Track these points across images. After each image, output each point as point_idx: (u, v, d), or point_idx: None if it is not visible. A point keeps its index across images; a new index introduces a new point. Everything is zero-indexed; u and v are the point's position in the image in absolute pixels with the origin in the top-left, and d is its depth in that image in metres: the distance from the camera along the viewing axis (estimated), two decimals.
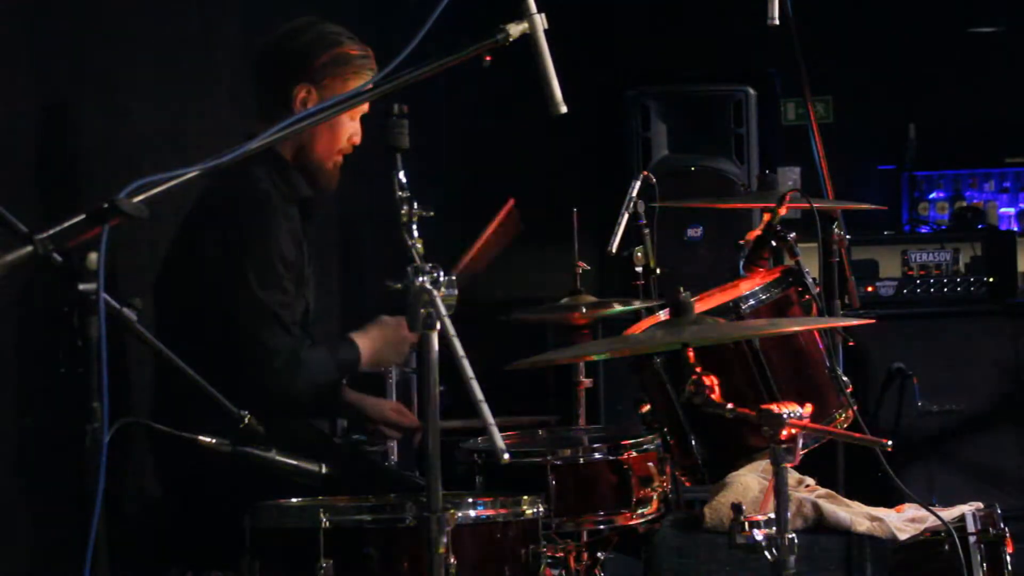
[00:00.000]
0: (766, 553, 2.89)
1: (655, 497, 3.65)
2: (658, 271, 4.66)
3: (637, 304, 4.38)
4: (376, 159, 2.94)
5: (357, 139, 3.93)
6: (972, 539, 3.55)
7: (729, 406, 3.00)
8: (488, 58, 2.91)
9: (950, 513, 3.65)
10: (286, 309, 3.74)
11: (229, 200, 3.74)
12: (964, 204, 6.72)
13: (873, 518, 3.73)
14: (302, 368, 3.71)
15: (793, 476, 3.87)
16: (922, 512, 3.76)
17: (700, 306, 3.52)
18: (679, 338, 3.17)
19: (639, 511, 3.60)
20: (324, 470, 3.04)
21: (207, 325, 3.70)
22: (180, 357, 2.81)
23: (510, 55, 2.96)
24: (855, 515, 3.73)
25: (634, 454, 3.61)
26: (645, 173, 4.74)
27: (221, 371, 3.62)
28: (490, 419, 2.67)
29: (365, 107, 3.83)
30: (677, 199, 5.37)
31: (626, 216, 4.62)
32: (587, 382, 4.40)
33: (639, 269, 4.62)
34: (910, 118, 6.88)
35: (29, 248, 2.45)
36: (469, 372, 2.69)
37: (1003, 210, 6.74)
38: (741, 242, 4.03)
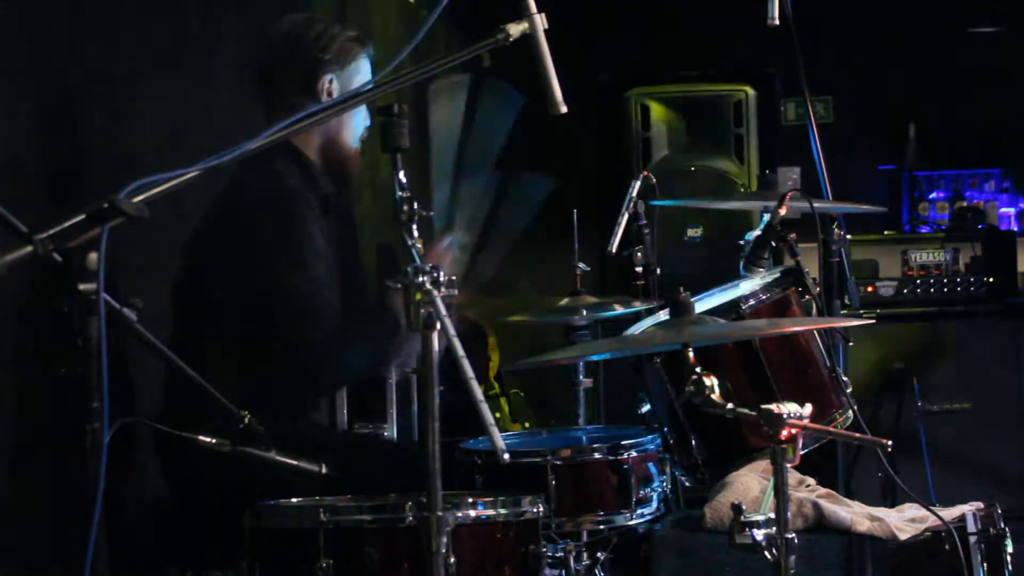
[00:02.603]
0: (766, 553, 2.89)
1: (655, 497, 3.65)
2: (658, 271, 4.66)
3: (637, 304, 4.38)
4: (376, 159, 2.94)
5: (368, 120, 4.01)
6: (972, 539, 3.55)
7: (729, 406, 3.00)
8: (487, 59, 2.92)
9: (950, 513, 3.65)
10: (320, 289, 3.76)
11: (261, 197, 3.75)
12: (964, 204, 6.71)
13: (873, 518, 3.73)
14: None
15: (793, 476, 3.87)
16: (922, 512, 3.76)
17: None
18: (679, 338, 3.17)
19: (639, 511, 3.60)
20: (324, 470, 3.04)
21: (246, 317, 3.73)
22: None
23: (510, 55, 2.96)
24: (855, 515, 3.73)
25: (634, 454, 3.61)
26: (645, 173, 4.73)
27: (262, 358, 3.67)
28: (490, 419, 2.67)
29: None
30: (677, 199, 5.37)
31: (626, 216, 4.62)
32: (587, 382, 4.40)
33: (639, 269, 4.62)
34: (910, 118, 6.88)
35: (29, 248, 2.45)
36: (469, 372, 2.69)
37: (1003, 210, 6.74)
38: (741, 242, 4.03)
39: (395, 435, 4.83)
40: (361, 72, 3.96)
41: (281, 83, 3.93)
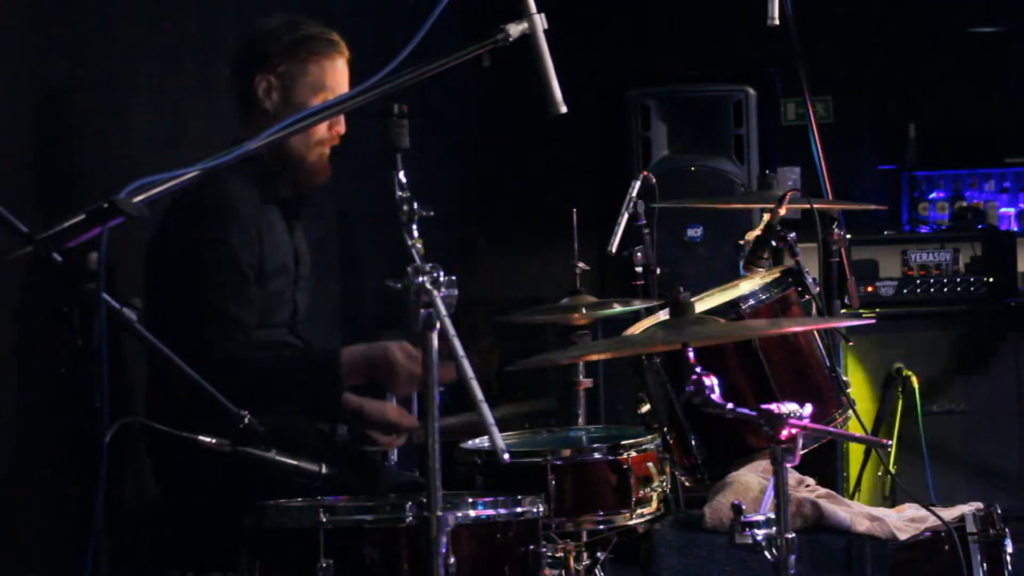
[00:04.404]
0: (766, 553, 2.89)
1: (655, 497, 3.66)
2: (658, 271, 4.66)
3: (637, 304, 4.38)
4: (376, 159, 2.94)
5: (340, 128, 3.86)
6: (972, 539, 3.55)
7: (729, 406, 3.00)
8: (487, 59, 2.92)
9: (950, 513, 3.65)
10: (241, 308, 3.70)
11: (186, 207, 3.71)
12: (964, 204, 6.72)
13: (873, 518, 3.73)
14: (245, 366, 3.64)
15: (793, 476, 3.87)
16: (922, 512, 3.76)
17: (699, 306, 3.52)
18: (679, 338, 3.17)
19: (639, 511, 3.60)
20: (324, 470, 3.04)
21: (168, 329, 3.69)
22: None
23: (510, 55, 2.96)
24: (855, 515, 3.73)
25: (634, 454, 3.61)
26: (645, 173, 4.74)
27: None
28: (490, 419, 2.67)
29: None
30: (677, 199, 5.37)
31: (626, 216, 4.62)
32: (587, 382, 4.40)
33: (639, 269, 4.62)
34: (910, 118, 6.88)
35: (29, 248, 2.45)
36: (469, 372, 2.69)
37: (1003, 210, 6.74)
38: (741, 242, 4.03)
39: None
40: (312, 74, 3.81)
41: (241, 72, 3.87)
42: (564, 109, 2.94)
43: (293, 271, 3.93)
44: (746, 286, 3.76)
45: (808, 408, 2.90)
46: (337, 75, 3.86)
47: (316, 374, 3.73)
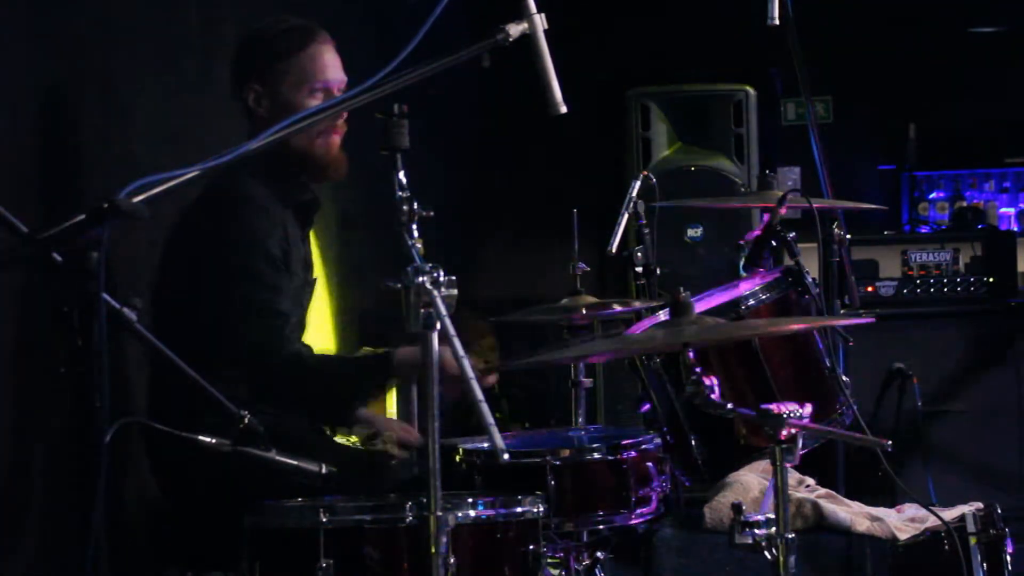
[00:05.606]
0: (766, 553, 2.89)
1: (655, 497, 3.66)
2: (658, 271, 4.65)
3: (637, 304, 4.38)
4: (376, 159, 2.94)
5: (343, 112, 3.87)
6: (972, 539, 3.56)
7: (729, 406, 3.00)
8: (487, 59, 2.92)
9: (950, 513, 3.65)
10: (277, 300, 3.71)
11: (215, 204, 3.72)
12: (964, 204, 6.72)
13: (873, 518, 3.74)
14: (302, 364, 3.69)
15: (793, 476, 3.87)
16: (922, 512, 3.76)
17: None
18: (679, 338, 3.17)
19: (639, 511, 3.60)
20: (324, 470, 3.04)
21: (200, 326, 3.69)
22: (178, 357, 2.82)
23: (510, 55, 2.96)
24: (855, 515, 3.74)
25: (634, 454, 3.61)
26: (645, 173, 4.73)
27: (217, 371, 3.63)
28: (490, 419, 2.67)
29: (342, 81, 3.81)
30: (677, 199, 5.37)
31: (626, 216, 4.62)
32: (587, 382, 4.40)
33: (639, 269, 4.62)
34: (910, 118, 6.88)
35: (29, 248, 2.45)
36: (469, 372, 2.69)
37: (1003, 210, 6.75)
38: (741, 242, 4.03)
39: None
40: (293, 69, 3.79)
41: (235, 85, 3.89)
42: (564, 109, 2.94)
43: (303, 276, 3.93)
44: (746, 286, 3.76)
45: (808, 408, 2.90)
46: (319, 61, 3.83)
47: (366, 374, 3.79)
